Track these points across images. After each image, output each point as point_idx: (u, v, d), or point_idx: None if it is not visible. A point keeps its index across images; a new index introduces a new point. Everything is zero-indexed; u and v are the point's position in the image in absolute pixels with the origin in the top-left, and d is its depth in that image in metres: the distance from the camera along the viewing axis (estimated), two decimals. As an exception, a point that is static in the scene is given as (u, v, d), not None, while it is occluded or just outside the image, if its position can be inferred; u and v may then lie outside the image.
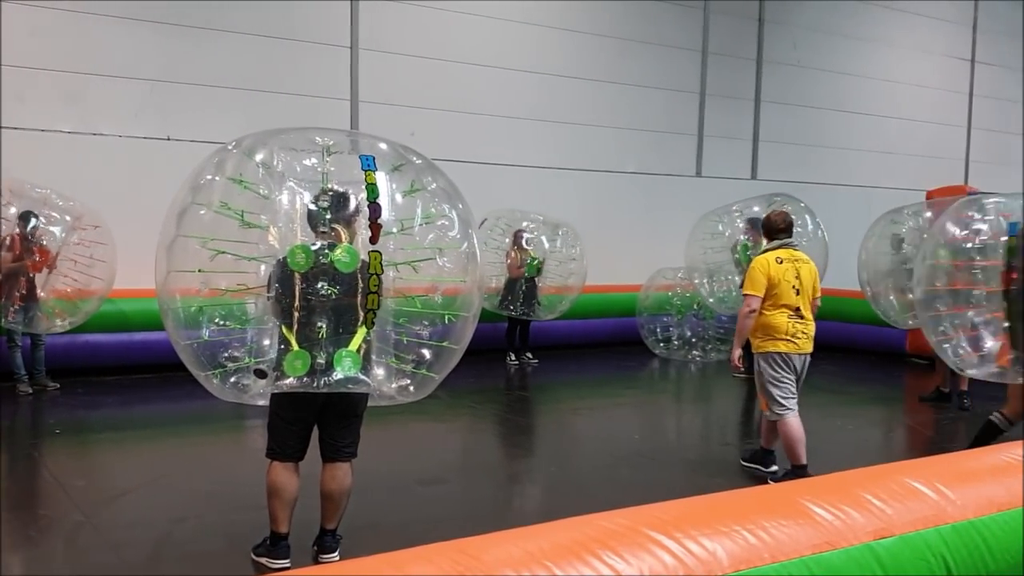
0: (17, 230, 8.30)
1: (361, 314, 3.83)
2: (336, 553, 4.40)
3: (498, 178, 11.83)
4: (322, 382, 3.80)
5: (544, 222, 11.21)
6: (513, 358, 10.93)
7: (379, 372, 3.99)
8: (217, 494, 5.58)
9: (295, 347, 3.80)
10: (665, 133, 13.99)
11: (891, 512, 2.66)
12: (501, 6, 12.35)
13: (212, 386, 3.99)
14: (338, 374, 3.79)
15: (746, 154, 15.03)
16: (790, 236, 6.05)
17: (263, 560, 4.33)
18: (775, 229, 6.04)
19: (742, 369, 6.58)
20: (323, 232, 3.90)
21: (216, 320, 3.96)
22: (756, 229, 9.69)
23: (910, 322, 8.83)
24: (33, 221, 8.34)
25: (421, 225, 4.01)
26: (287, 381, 3.82)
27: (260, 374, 3.89)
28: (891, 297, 8.87)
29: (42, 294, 8.44)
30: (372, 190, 3.85)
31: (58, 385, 8.74)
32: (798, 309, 5.80)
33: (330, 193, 3.92)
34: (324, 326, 3.82)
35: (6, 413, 7.87)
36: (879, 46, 16.34)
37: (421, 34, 11.81)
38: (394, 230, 3.91)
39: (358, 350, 3.83)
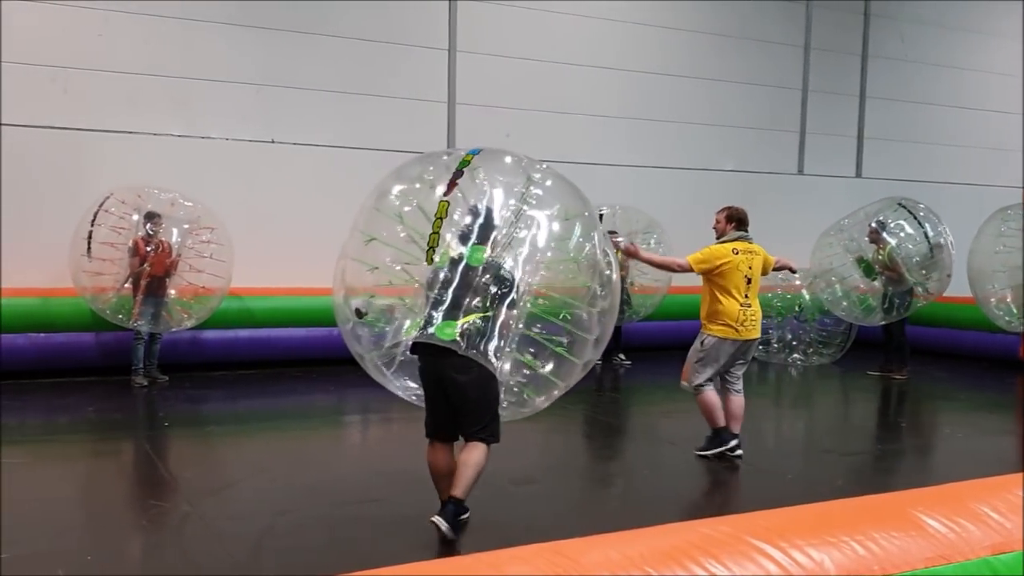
0: (140, 233, 8.67)
1: (476, 302, 4.45)
2: (445, 520, 4.49)
3: (594, 177, 11.73)
4: (417, 335, 4.52)
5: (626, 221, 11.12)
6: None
7: (506, 366, 4.61)
8: (317, 488, 5.68)
9: (417, 319, 4.57)
10: (765, 130, 13.70)
11: (1011, 526, 2.53)
12: (598, 5, 12.29)
13: (376, 370, 4.90)
14: (429, 330, 4.44)
15: (850, 151, 14.60)
16: (746, 230, 6.52)
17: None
18: (743, 221, 6.52)
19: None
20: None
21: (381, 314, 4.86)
22: (880, 235, 9.71)
23: None
24: (150, 223, 8.69)
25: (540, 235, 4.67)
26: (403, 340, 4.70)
27: (358, 314, 4.71)
28: (1008, 299, 8.52)
29: (172, 291, 8.80)
30: (464, 163, 4.68)
31: (167, 378, 9.07)
32: (747, 296, 6.30)
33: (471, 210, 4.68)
34: (443, 305, 4.47)
35: (123, 405, 8.21)
36: (991, 38, 15.66)
37: (517, 35, 11.84)
38: (515, 232, 4.61)
39: (461, 326, 4.41)
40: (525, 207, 4.66)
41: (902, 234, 10.06)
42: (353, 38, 10.91)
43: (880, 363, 10.73)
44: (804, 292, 11.31)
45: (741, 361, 6.50)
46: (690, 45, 13.04)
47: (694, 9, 13.03)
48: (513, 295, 4.53)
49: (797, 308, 11.27)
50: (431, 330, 4.43)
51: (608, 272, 4.84)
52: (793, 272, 7.45)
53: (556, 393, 4.81)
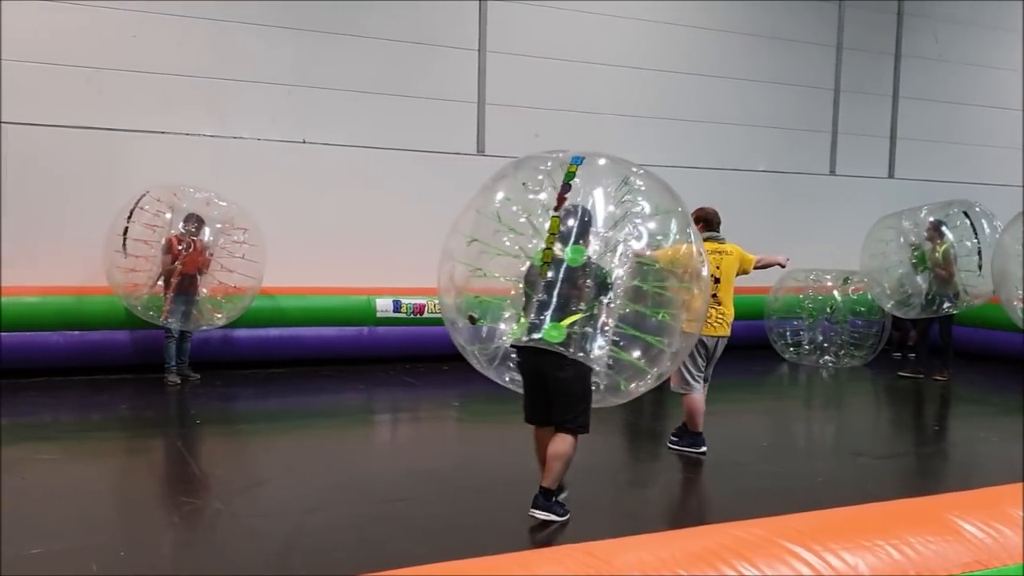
0: (173, 232, 8.76)
1: (579, 302, 4.64)
2: (540, 511, 4.91)
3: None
4: (524, 339, 4.69)
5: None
6: None
7: (597, 352, 4.73)
8: (347, 487, 5.71)
9: (522, 320, 4.72)
10: (797, 130, 13.58)
11: (1049, 532, 2.49)
12: (628, 5, 12.24)
13: (477, 362, 5.09)
14: (536, 335, 4.62)
15: (883, 152, 14.45)
16: (718, 230, 6.69)
17: None
18: (711, 221, 6.68)
19: None
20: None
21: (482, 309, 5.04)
22: (939, 230, 9.76)
23: None
24: (187, 224, 8.79)
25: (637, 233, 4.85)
26: (507, 341, 4.85)
27: (472, 320, 4.90)
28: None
29: (204, 290, 8.88)
30: (569, 175, 4.81)
31: (199, 376, 9.15)
32: (715, 295, 6.38)
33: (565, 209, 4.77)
34: (548, 306, 4.63)
35: (156, 403, 8.30)
36: (1027, 37, 15.44)
37: (547, 35, 11.82)
38: (614, 232, 4.80)
39: (568, 327, 4.59)
40: (625, 206, 4.89)
41: (962, 234, 10.04)
42: (383, 39, 10.94)
43: (911, 365, 10.65)
44: (835, 293, 11.22)
45: (712, 359, 6.72)
46: (721, 45, 12.96)
47: (725, 9, 12.95)
48: (612, 294, 4.72)
49: (828, 309, 11.18)
50: (539, 335, 4.61)
51: (701, 269, 5.03)
52: (783, 267, 7.34)
53: (649, 381, 4.95)
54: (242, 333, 9.76)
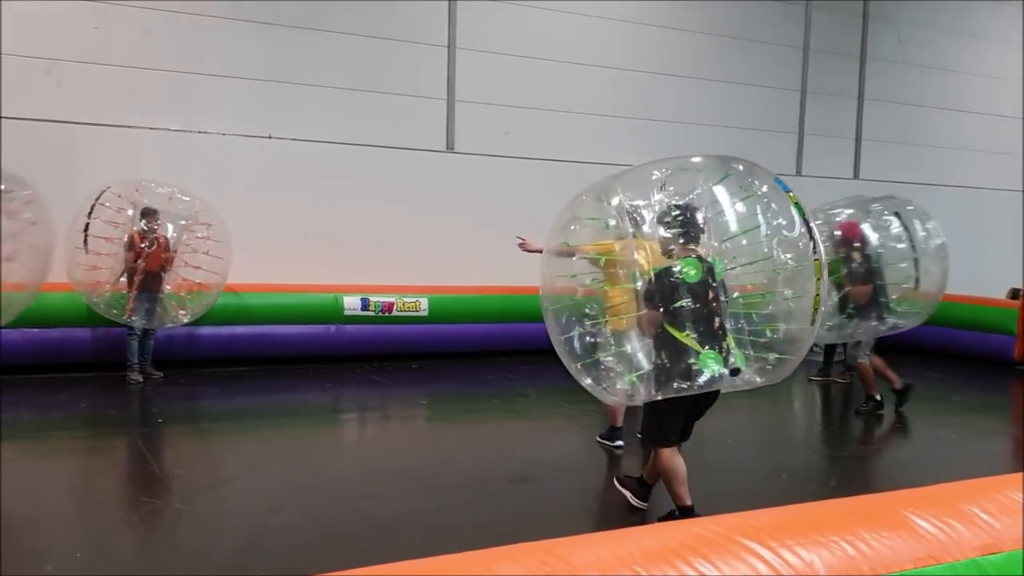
0: (135, 228, 8.64)
1: (728, 323, 4.46)
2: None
3: (593, 177, 11.69)
4: (728, 370, 4.36)
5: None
6: None
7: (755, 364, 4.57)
8: (312, 486, 5.68)
9: (701, 350, 4.34)
10: (764, 131, 13.69)
11: (1000, 527, 2.54)
12: (598, 5, 12.27)
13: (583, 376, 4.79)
14: (735, 366, 4.38)
15: (848, 153, 14.61)
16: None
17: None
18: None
19: None
20: (691, 248, 4.55)
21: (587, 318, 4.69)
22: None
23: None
24: (144, 220, 8.67)
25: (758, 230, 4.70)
26: (703, 379, 4.35)
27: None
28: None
29: (168, 287, 8.77)
30: (799, 208, 4.72)
31: (162, 374, 9.05)
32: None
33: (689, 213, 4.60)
34: (724, 329, 4.43)
35: (117, 401, 8.19)
36: (989, 42, 15.65)
37: (517, 33, 11.83)
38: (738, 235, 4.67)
39: (742, 351, 4.47)
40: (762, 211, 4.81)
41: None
42: (352, 34, 10.88)
43: (819, 367, 10.70)
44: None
45: None
46: (690, 45, 13.03)
47: (694, 9, 13.02)
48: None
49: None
50: (736, 365, 4.41)
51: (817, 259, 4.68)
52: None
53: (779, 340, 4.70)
54: (207, 331, 9.65)
